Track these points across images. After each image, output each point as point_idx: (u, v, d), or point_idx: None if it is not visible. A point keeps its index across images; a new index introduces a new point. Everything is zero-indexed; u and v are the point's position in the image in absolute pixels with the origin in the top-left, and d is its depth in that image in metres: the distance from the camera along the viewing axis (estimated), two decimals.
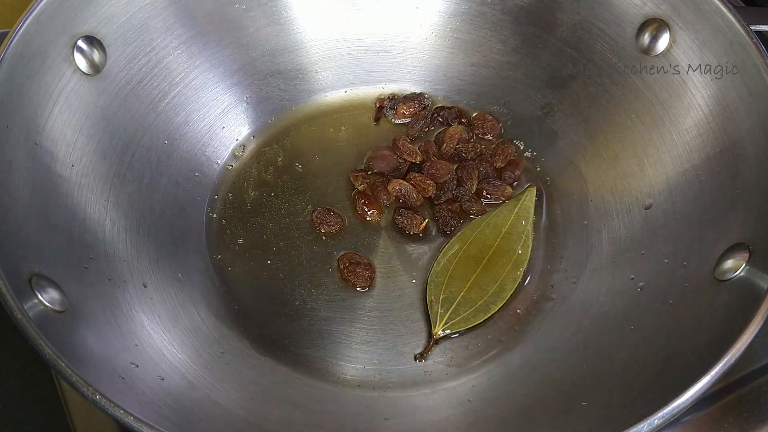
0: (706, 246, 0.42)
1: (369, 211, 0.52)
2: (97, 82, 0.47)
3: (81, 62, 0.46)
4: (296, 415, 0.43)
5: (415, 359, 0.47)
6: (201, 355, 0.44)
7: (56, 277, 0.38)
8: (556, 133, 0.55)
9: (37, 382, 0.46)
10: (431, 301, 0.48)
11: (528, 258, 0.50)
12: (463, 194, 0.53)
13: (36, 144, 0.42)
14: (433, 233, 0.52)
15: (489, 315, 0.48)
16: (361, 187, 0.53)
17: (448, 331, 0.47)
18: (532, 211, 0.52)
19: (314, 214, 0.52)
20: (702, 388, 0.33)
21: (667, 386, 0.35)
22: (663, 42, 0.48)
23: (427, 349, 0.47)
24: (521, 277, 0.49)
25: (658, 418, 0.33)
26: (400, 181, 0.53)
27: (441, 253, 0.50)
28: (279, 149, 0.56)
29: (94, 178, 0.46)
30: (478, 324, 0.48)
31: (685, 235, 0.45)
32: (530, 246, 0.50)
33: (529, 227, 0.51)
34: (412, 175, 0.53)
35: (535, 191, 0.53)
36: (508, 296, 0.48)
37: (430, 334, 0.47)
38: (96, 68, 0.47)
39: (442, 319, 0.47)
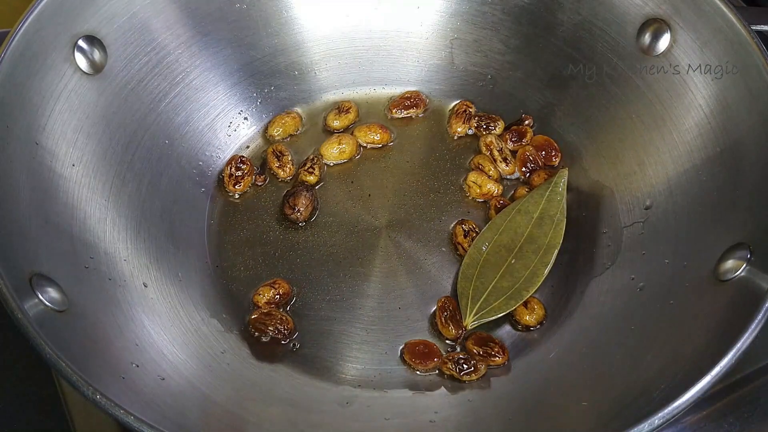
0: (706, 246, 0.42)
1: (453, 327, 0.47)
2: (97, 82, 0.47)
3: (81, 62, 0.46)
4: (296, 415, 0.43)
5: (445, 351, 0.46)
6: (201, 355, 0.44)
7: (56, 277, 0.38)
8: (556, 133, 0.55)
9: (37, 382, 0.46)
10: (461, 294, 0.47)
11: (561, 241, 0.48)
12: None
13: (36, 143, 0.42)
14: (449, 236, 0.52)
15: (522, 301, 0.47)
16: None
17: (477, 322, 0.46)
18: (565, 193, 0.50)
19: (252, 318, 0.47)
20: (702, 388, 0.33)
21: (668, 386, 0.35)
22: (664, 42, 0.48)
23: (458, 340, 0.46)
24: (553, 261, 0.48)
25: (658, 418, 0.33)
26: None
27: (472, 246, 0.49)
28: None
29: (94, 178, 0.46)
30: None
31: (686, 235, 0.45)
32: (563, 229, 0.49)
33: (561, 209, 0.49)
34: None
35: (566, 173, 0.51)
36: (541, 281, 0.47)
37: (459, 326, 0.47)
38: (96, 68, 0.47)
39: (472, 311, 0.47)
